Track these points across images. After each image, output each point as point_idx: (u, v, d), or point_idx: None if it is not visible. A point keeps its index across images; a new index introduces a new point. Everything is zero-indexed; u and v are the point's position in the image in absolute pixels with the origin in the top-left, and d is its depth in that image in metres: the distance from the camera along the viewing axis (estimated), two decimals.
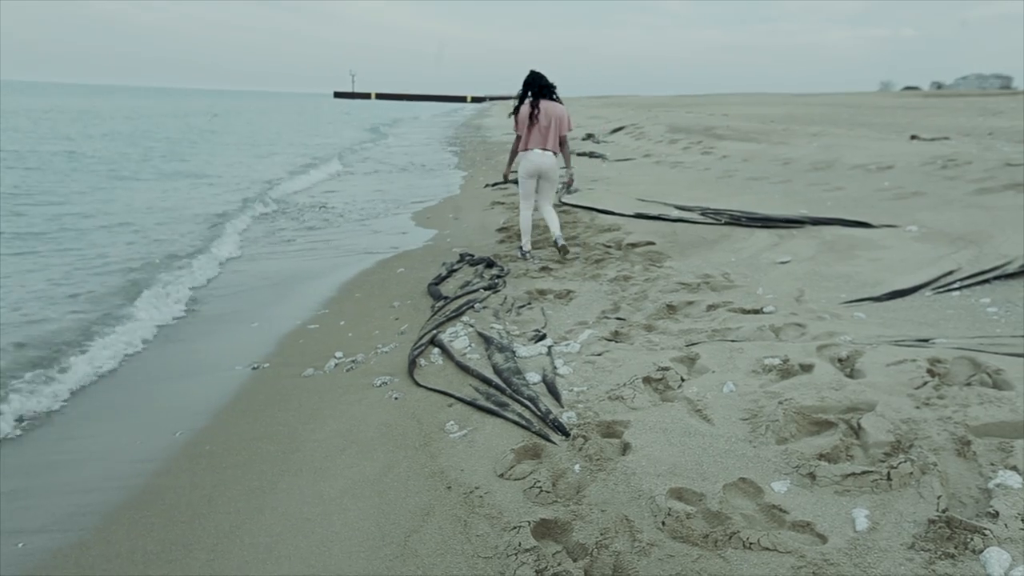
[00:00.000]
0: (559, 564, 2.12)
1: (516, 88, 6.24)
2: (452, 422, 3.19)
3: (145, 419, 3.72)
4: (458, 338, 4.25)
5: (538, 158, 6.17)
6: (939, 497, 2.18)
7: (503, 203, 9.87)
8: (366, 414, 3.45)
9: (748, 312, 4.40)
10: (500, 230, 8.00)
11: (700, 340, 3.89)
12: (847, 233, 6.44)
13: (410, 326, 4.76)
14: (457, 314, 4.75)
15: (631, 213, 8.08)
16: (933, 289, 4.64)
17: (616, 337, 4.12)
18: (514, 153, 6.47)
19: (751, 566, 2.02)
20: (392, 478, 2.80)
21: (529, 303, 4.99)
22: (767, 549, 2.07)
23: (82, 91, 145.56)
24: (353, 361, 4.21)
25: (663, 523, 2.22)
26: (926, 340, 3.59)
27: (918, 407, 2.75)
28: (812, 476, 2.40)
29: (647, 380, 3.27)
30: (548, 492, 2.50)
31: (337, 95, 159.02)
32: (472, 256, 6.58)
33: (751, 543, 2.09)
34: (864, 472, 2.34)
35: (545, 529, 2.31)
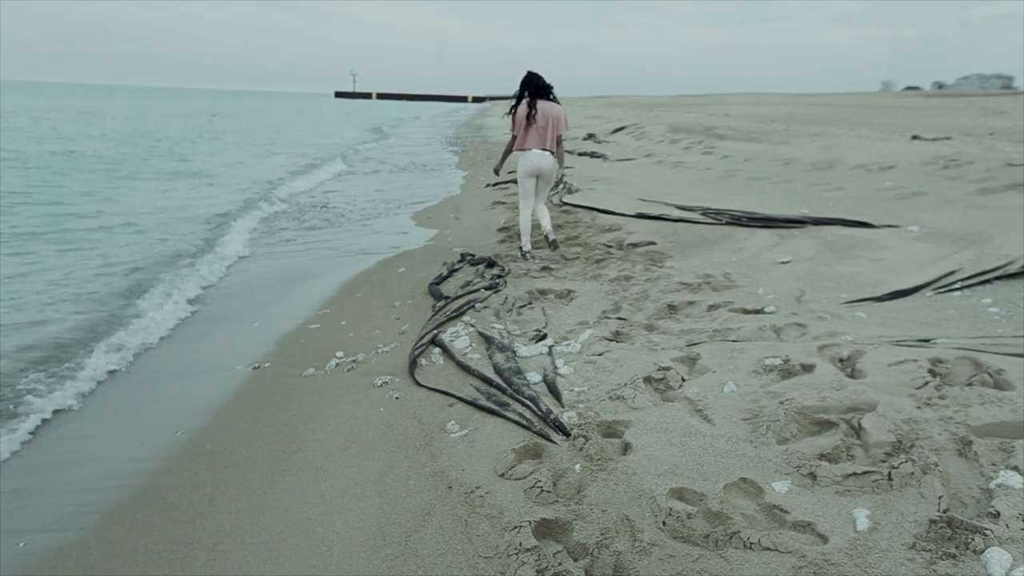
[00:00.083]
0: (560, 564, 2.12)
1: (516, 88, 6.27)
2: (453, 422, 3.19)
3: (146, 419, 3.73)
4: (459, 338, 4.25)
5: (538, 158, 6.21)
6: (940, 497, 2.18)
7: (504, 203, 9.87)
8: (367, 414, 3.45)
9: (749, 312, 4.40)
10: (501, 230, 8.00)
11: (701, 340, 3.89)
12: (848, 233, 6.44)
13: (411, 326, 4.77)
14: (458, 314, 4.75)
15: (632, 213, 8.08)
16: (934, 289, 4.64)
17: (617, 337, 4.12)
18: (508, 151, 6.53)
19: (752, 566, 2.02)
20: (393, 478, 2.80)
21: (530, 303, 4.99)
22: (768, 549, 2.07)
23: (82, 91, 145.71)
24: (354, 361, 4.21)
25: (664, 523, 2.21)
26: (927, 340, 3.58)
27: (919, 407, 2.75)
28: (813, 476, 2.40)
29: (648, 380, 3.27)
30: (549, 492, 2.50)
31: (338, 95, 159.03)
32: (473, 256, 6.58)
33: (752, 543, 2.09)
34: (865, 472, 2.34)
35: (546, 529, 2.31)
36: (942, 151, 10.89)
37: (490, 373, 3.66)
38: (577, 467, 2.64)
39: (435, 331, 4.40)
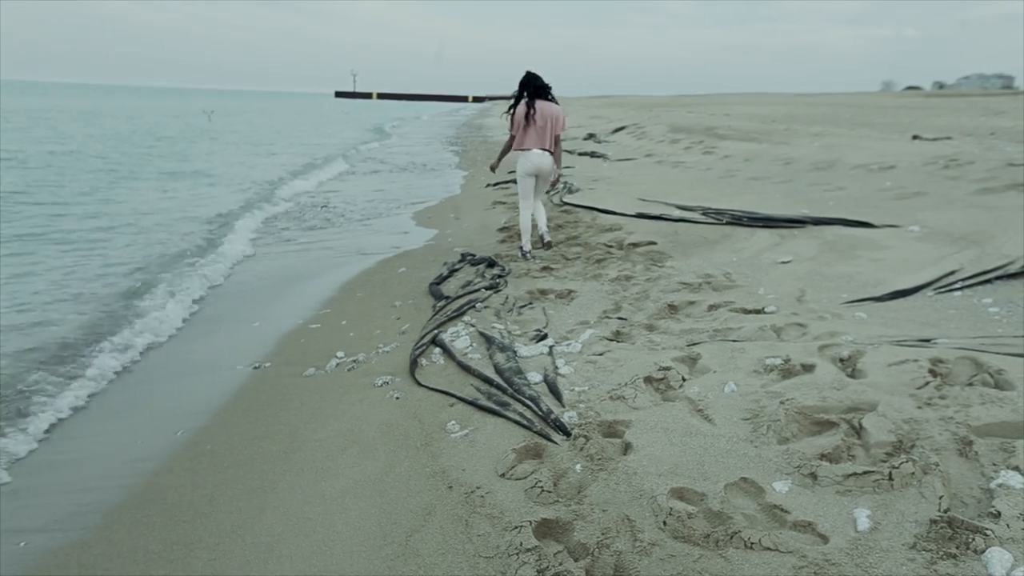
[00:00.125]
0: (560, 564, 2.12)
1: (515, 88, 6.31)
2: (453, 422, 3.19)
3: (146, 418, 3.73)
4: (459, 338, 4.25)
5: (537, 158, 6.28)
6: (941, 497, 2.18)
7: (504, 203, 9.87)
8: (367, 414, 3.45)
9: (749, 312, 4.40)
10: (501, 230, 8.00)
11: (701, 340, 3.89)
12: (849, 233, 6.44)
13: (411, 326, 4.77)
14: (458, 314, 4.75)
15: (633, 213, 8.08)
16: (935, 289, 4.64)
17: (617, 337, 4.12)
18: (506, 150, 6.60)
19: (752, 566, 2.02)
20: (393, 478, 2.80)
21: (530, 303, 4.99)
22: (768, 549, 2.06)
23: (82, 91, 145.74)
24: (354, 361, 4.21)
25: (664, 523, 2.21)
26: (928, 340, 3.58)
27: (920, 407, 2.75)
28: (814, 476, 2.39)
29: (648, 380, 3.27)
30: (549, 492, 2.50)
31: (338, 95, 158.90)
32: (473, 256, 6.59)
33: (752, 543, 2.09)
34: (866, 472, 2.34)
35: (546, 529, 2.31)
36: (943, 151, 10.88)
37: (491, 373, 3.66)
38: (578, 467, 2.64)
39: (436, 331, 4.40)
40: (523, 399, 3.25)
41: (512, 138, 6.39)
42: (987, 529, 1.98)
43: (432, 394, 3.57)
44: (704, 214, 7.76)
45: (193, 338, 5.03)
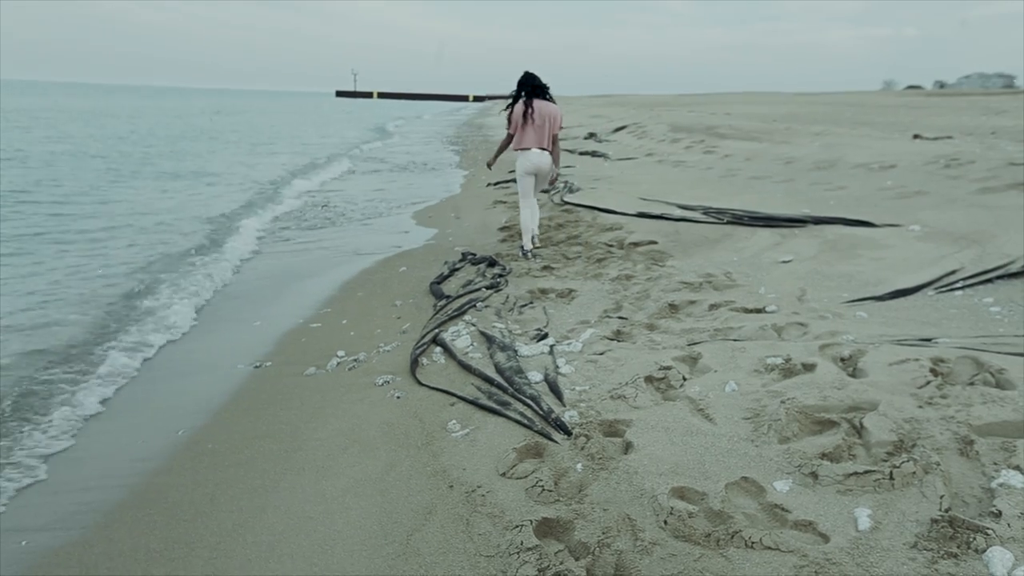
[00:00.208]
0: (561, 563, 2.12)
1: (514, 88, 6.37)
2: (454, 421, 3.19)
3: (147, 417, 3.73)
4: (460, 337, 4.25)
5: (537, 158, 6.34)
6: (942, 496, 2.18)
7: (505, 202, 9.87)
8: (368, 413, 3.45)
9: (750, 311, 4.40)
10: (502, 229, 8.00)
11: (702, 339, 3.89)
12: (849, 232, 6.43)
13: (412, 325, 4.77)
14: (459, 313, 4.75)
15: (633, 212, 8.08)
16: (936, 288, 4.64)
17: (618, 336, 4.12)
18: (503, 148, 6.67)
19: (753, 565, 2.02)
20: (394, 477, 2.81)
21: (531, 302, 4.99)
22: (769, 548, 2.06)
23: (83, 90, 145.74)
24: (355, 360, 4.21)
25: (665, 522, 2.21)
26: (929, 339, 3.58)
27: (921, 406, 2.75)
28: (814, 475, 2.39)
29: (649, 379, 3.27)
30: (550, 491, 2.50)
31: (339, 94, 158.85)
32: (474, 255, 6.59)
33: (753, 542, 2.09)
34: (866, 471, 2.34)
35: (547, 528, 2.31)
36: (943, 150, 10.87)
37: (491, 372, 3.66)
38: (578, 466, 2.64)
39: (436, 330, 4.40)
40: (524, 398, 3.25)
41: (509, 136, 6.46)
42: (988, 528, 1.98)
43: (433, 393, 3.57)
44: (705, 213, 7.76)
45: (194, 337, 5.03)
